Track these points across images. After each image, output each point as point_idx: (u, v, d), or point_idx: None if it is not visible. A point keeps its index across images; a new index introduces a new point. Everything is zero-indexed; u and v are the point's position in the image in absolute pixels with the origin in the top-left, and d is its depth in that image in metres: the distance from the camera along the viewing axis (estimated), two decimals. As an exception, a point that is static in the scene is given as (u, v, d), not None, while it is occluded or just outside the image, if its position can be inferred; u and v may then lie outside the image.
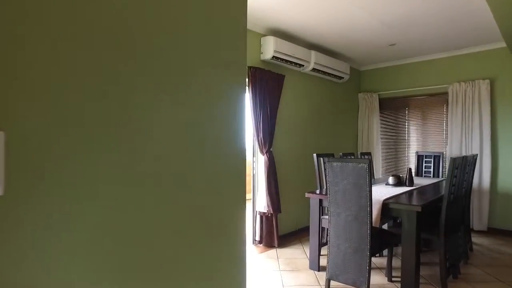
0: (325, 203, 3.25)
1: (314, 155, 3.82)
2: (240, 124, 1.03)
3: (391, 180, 3.67)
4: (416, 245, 2.67)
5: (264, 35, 4.15)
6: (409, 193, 3.24)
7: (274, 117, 4.09)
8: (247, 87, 3.89)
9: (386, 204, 2.78)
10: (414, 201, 2.87)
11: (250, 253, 3.87)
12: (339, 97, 5.65)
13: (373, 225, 2.70)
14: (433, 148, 5.27)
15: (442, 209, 2.81)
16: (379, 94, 5.84)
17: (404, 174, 5.12)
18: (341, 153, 4.17)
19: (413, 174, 4.86)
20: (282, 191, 4.32)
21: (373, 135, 5.81)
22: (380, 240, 2.87)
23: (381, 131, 5.86)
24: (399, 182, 3.67)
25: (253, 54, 4.05)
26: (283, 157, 4.43)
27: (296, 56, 4.31)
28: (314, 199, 3.31)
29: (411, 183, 3.61)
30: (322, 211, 3.46)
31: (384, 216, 2.87)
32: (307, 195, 3.32)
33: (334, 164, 2.75)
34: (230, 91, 1.01)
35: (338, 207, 2.78)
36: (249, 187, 7.50)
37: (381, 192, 3.18)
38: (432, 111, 5.31)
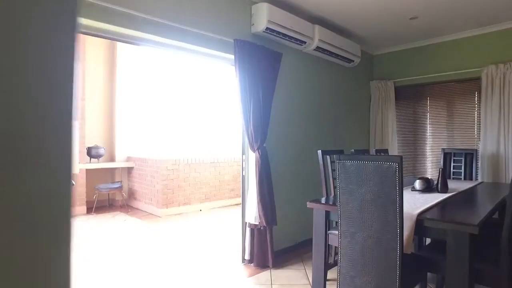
0: (333, 217, 2.42)
1: (319, 152, 2.99)
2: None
3: (418, 184, 2.83)
4: (469, 280, 1.83)
5: (256, 2, 3.32)
6: (447, 202, 2.40)
7: (268, 105, 3.27)
8: (234, 66, 3.08)
9: (420, 221, 1.94)
10: (464, 215, 2.03)
11: (236, 276, 3.05)
12: (348, 84, 4.80)
13: (403, 250, 1.86)
14: (461, 144, 4.41)
15: (504, 226, 1.97)
16: (394, 82, 4.99)
17: (428, 175, 4.29)
18: (352, 150, 3.34)
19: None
20: (279, 198, 3.49)
21: (388, 130, 4.96)
22: (414, 272, 2.03)
23: (397, 124, 5.01)
24: (428, 187, 2.83)
25: (241, 25, 3.23)
26: (279, 155, 3.60)
27: (296, 30, 3.49)
28: (318, 210, 2.48)
29: (444, 188, 2.76)
30: (329, 224, 2.63)
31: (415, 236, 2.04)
32: (309, 205, 2.49)
33: (348, 163, 1.92)
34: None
35: (353, 225, 1.95)
36: (239, 191, 6.54)
37: (409, 201, 2.34)
38: (460, 100, 4.45)
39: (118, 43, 6.60)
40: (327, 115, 4.39)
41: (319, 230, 2.52)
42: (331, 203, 2.45)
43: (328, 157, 3.02)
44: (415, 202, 2.29)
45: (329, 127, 4.43)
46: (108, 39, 2.61)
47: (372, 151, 3.78)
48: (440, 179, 2.76)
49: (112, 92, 6.71)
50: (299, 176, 3.88)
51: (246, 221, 3.18)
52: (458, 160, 3.90)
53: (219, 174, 6.57)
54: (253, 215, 3.11)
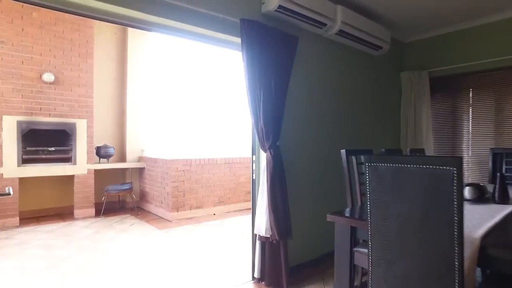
0: (362, 234, 1.91)
1: (343, 152, 2.48)
2: None
3: (468, 192, 2.27)
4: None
5: (267, -23, 2.85)
6: (512, 217, 1.84)
7: (281, 96, 2.79)
8: (241, 52, 2.62)
9: (484, 248, 1.41)
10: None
11: (245, 299, 2.60)
12: (376, 76, 4.24)
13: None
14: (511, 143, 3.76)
15: None
16: (429, 72, 4.37)
17: (475, 181, 3.67)
18: (382, 149, 2.80)
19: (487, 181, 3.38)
20: (294, 206, 3.00)
21: (422, 127, 4.36)
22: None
23: (433, 121, 4.39)
24: (481, 196, 2.26)
25: (249, 3, 2.77)
26: (294, 155, 3.11)
27: (315, 10, 2.98)
28: (342, 225, 1.98)
29: (504, 198, 2.19)
30: (355, 241, 2.13)
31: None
32: (329, 218, 1.99)
33: (381, 167, 1.41)
34: None
35: (389, 251, 1.45)
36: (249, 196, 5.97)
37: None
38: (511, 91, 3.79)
39: (130, 39, 6.31)
40: (351, 110, 3.86)
41: (342, 249, 2.02)
42: (357, 216, 1.94)
43: (354, 158, 2.50)
44: (470, 219, 1.74)
45: (353, 124, 3.89)
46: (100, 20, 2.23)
47: (406, 151, 3.22)
48: (498, 186, 2.19)
49: (122, 89, 6.42)
50: (318, 180, 3.38)
51: (256, 232, 2.71)
52: None
53: (234, 176, 6.14)
54: (263, 226, 2.64)
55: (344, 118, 3.73)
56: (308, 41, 3.26)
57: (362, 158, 1.46)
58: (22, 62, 5.07)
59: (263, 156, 2.75)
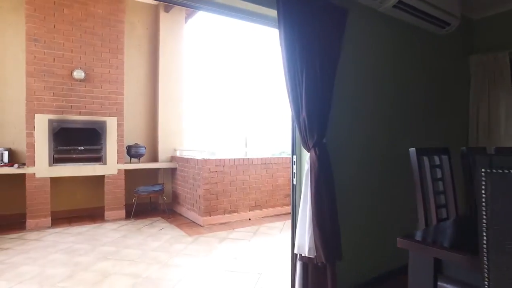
0: (452, 270, 1.32)
1: (412, 151, 1.88)
2: None
3: None
4: None
5: None
6: None
7: (329, 82, 2.24)
8: (278, 27, 2.11)
9: None
10: None
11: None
12: (439, 59, 3.54)
13: None
14: None
15: None
16: (510, 53, 3.57)
17: None
18: (463, 148, 2.15)
19: None
20: (343, 219, 2.43)
21: (499, 120, 3.58)
22: None
23: (514, 113, 3.60)
24: None
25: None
26: (343, 156, 2.54)
27: (370, -26, 2.40)
28: (420, 255, 1.40)
29: None
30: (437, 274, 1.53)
31: None
32: (401, 243, 1.42)
33: (513, 175, 0.83)
34: None
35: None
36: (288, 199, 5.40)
37: None
38: None
39: (161, 34, 6.03)
40: (409, 100, 3.20)
41: (422, 283, 1.44)
42: (447, 245, 1.36)
43: (426, 159, 1.89)
44: None
45: (413, 118, 3.23)
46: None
47: (491, 150, 2.52)
48: None
49: (154, 86, 6.16)
50: (374, 187, 2.77)
51: (296, 252, 2.18)
52: None
53: (271, 177, 5.64)
54: (306, 244, 2.11)
55: (401, 111, 3.09)
56: (359, 15, 2.67)
57: (479, 160, 0.88)
58: (54, 59, 4.93)
59: (306, 156, 2.21)
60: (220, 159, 5.10)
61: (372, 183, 2.75)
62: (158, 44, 6.09)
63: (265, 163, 5.57)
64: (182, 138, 6.21)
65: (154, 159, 6.09)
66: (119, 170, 5.31)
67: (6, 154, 4.88)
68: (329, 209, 2.10)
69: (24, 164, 4.80)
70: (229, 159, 5.19)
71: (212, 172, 4.99)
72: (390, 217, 2.83)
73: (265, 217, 5.53)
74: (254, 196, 5.45)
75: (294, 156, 2.37)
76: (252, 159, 5.44)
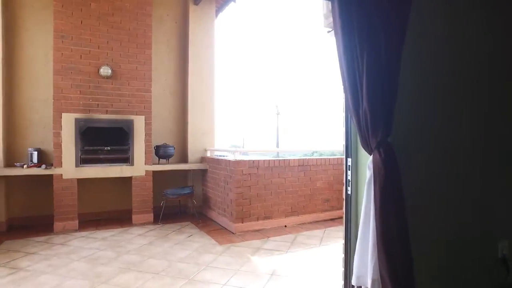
0: None
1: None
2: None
3: None
4: None
5: None
6: None
7: (395, 62, 1.72)
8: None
9: None
10: None
11: None
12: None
13: None
14: None
15: None
16: None
17: None
18: None
19: None
20: (419, 241, 1.88)
21: None
22: None
23: None
24: None
25: None
26: (416, 158, 1.99)
27: None
28: None
29: None
30: None
31: None
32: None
33: None
34: None
35: None
36: (336, 202, 4.90)
37: None
38: None
39: (191, 29, 5.70)
40: (501, 88, 2.56)
41: None
42: None
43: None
44: None
45: (504, 111, 2.58)
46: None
47: None
48: None
49: (183, 83, 5.85)
50: (461, 199, 2.19)
51: (355, 284, 1.68)
52: None
53: (309, 181, 5.14)
54: (368, 274, 1.61)
55: (490, 100, 2.47)
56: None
57: None
58: (81, 56, 4.73)
59: (365, 159, 1.72)
60: (253, 161, 4.67)
61: (450, 193, 2.17)
62: (187, 39, 5.78)
63: (303, 165, 5.07)
64: (213, 138, 5.85)
65: (184, 160, 5.78)
66: (146, 171, 5.03)
67: (35, 154, 4.75)
68: (400, 229, 1.59)
69: (51, 164, 4.63)
70: (264, 160, 4.75)
71: (245, 174, 4.57)
72: (486, 239, 2.25)
73: (302, 224, 5.03)
74: (291, 201, 4.98)
75: (349, 159, 1.88)
76: (289, 161, 4.96)
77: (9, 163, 4.70)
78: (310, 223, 5.09)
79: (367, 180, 1.65)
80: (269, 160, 4.81)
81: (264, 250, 3.85)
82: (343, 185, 1.93)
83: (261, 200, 4.72)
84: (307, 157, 5.26)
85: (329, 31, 2.62)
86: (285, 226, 4.89)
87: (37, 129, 4.94)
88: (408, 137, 1.93)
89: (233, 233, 4.52)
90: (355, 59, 1.65)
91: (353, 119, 1.70)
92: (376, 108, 1.62)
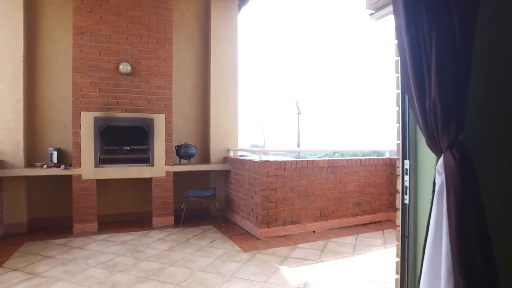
0: None
1: None
2: None
3: None
4: None
5: None
6: None
7: (468, 47, 1.37)
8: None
9: None
10: None
11: None
12: None
13: None
14: None
15: None
16: None
17: None
18: None
19: None
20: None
21: None
22: None
23: None
24: None
25: None
26: (494, 162, 1.62)
27: None
28: None
29: None
30: None
31: None
32: None
33: None
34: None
35: None
36: (367, 206, 4.49)
37: None
38: None
39: (213, 23, 5.45)
40: None
41: None
42: None
43: None
44: None
45: None
46: None
47: None
48: None
49: (205, 80, 5.62)
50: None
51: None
52: None
53: (339, 183, 4.78)
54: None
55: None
56: None
57: None
58: (100, 52, 4.57)
59: (429, 161, 1.38)
60: (280, 161, 4.36)
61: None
62: (209, 34, 5.53)
63: (332, 166, 4.72)
64: (236, 137, 5.59)
65: (205, 160, 5.55)
66: (167, 172, 4.82)
67: (55, 154, 4.63)
68: (483, 251, 1.24)
69: (71, 165, 4.49)
70: (291, 161, 4.44)
71: (271, 176, 4.27)
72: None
73: (331, 229, 4.68)
74: (319, 204, 4.63)
75: (406, 162, 1.54)
76: (317, 161, 4.62)
77: (30, 163, 4.61)
78: (340, 228, 4.73)
79: (437, 188, 1.31)
80: (296, 161, 4.49)
81: (293, 259, 3.53)
82: (399, 193, 1.59)
83: (288, 204, 4.40)
84: (337, 158, 4.89)
85: (372, 14, 2.28)
86: (313, 231, 4.56)
87: (57, 128, 4.82)
88: (480, 135, 1.57)
89: (258, 238, 4.22)
90: (421, 38, 1.31)
91: (417, 112, 1.36)
92: (448, 98, 1.28)
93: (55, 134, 4.81)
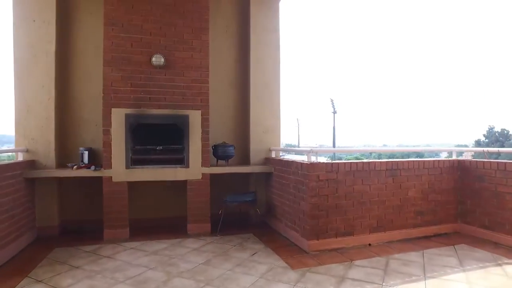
0: None
1: None
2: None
3: None
4: None
5: None
6: None
7: None
8: None
9: None
10: None
11: None
12: None
13: None
14: None
15: None
16: None
17: None
18: None
19: None
20: None
21: None
22: None
23: None
24: None
25: None
26: None
27: None
28: None
29: None
30: None
31: None
32: None
33: None
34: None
35: None
36: (431, 216, 3.61)
37: None
38: None
39: (253, 11, 4.95)
40: None
41: None
42: None
43: None
44: None
45: None
46: None
47: None
48: None
49: (244, 73, 5.13)
50: None
51: None
52: None
53: (399, 188, 4.10)
54: None
55: None
56: None
57: None
58: (132, 44, 4.23)
59: None
60: (332, 163, 3.77)
61: None
62: (248, 23, 5.03)
63: (391, 169, 4.05)
64: (278, 136, 5.04)
65: (244, 161, 5.06)
66: (203, 174, 4.38)
67: (86, 154, 4.36)
68: None
69: (101, 166, 4.18)
70: (344, 163, 3.83)
71: (322, 180, 3.68)
72: None
73: (389, 242, 4.02)
74: (376, 213, 3.98)
75: None
76: (374, 163, 3.98)
77: (61, 163, 4.37)
78: (400, 241, 4.05)
79: None
80: (350, 163, 3.87)
81: (351, 281, 2.93)
82: None
83: (341, 212, 3.80)
84: (397, 160, 4.21)
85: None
86: (369, 244, 3.92)
87: (89, 126, 4.56)
88: None
89: (306, 252, 3.66)
90: None
91: None
92: None
93: (86, 133, 4.55)
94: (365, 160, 4.06)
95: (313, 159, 3.87)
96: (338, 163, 3.82)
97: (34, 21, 4.21)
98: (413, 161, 4.22)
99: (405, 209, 4.13)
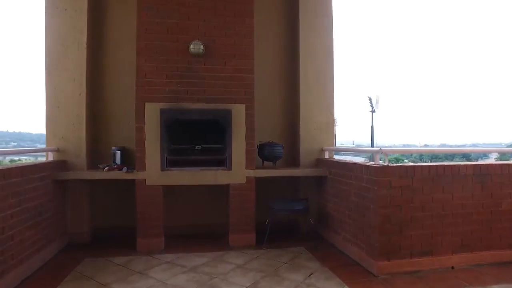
0: None
1: None
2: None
3: None
4: None
5: None
6: None
7: None
8: None
9: None
10: None
11: None
12: None
13: None
14: None
15: None
16: None
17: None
18: None
19: None
20: None
21: None
22: None
23: None
24: None
25: None
26: None
27: None
28: None
29: None
30: None
31: None
32: None
33: None
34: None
35: None
36: None
37: None
38: None
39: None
40: None
41: None
42: None
43: None
44: None
45: None
46: None
47: None
48: None
49: (293, 63, 4.51)
50: None
51: None
52: None
53: (490, 198, 3.28)
54: None
55: None
56: None
57: None
58: (167, 30, 3.76)
59: None
60: (406, 166, 3.05)
61: None
62: (297, 6, 4.41)
63: (480, 173, 3.25)
64: (332, 135, 4.37)
65: (292, 162, 4.44)
66: (248, 178, 3.81)
67: (118, 154, 3.96)
68: None
69: (134, 167, 3.74)
70: (421, 166, 3.10)
71: (394, 187, 2.98)
72: None
73: (478, 265, 3.22)
74: (460, 229, 3.20)
75: None
76: (458, 167, 3.21)
77: (93, 164, 4.00)
78: (491, 265, 3.24)
79: None
80: (429, 166, 3.13)
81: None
82: None
83: (417, 227, 3.07)
84: (486, 162, 3.40)
85: None
86: (452, 267, 3.16)
87: (123, 124, 4.16)
88: None
89: (374, 275, 2.97)
90: None
91: None
92: None
93: (119, 131, 4.16)
94: (446, 163, 3.29)
95: (382, 161, 3.17)
96: (413, 166, 3.10)
97: (65, 10, 3.89)
98: (508, 164, 3.39)
99: (498, 225, 3.31)
